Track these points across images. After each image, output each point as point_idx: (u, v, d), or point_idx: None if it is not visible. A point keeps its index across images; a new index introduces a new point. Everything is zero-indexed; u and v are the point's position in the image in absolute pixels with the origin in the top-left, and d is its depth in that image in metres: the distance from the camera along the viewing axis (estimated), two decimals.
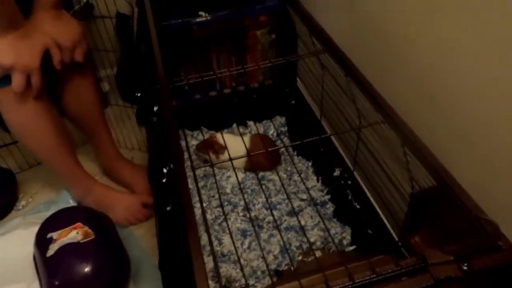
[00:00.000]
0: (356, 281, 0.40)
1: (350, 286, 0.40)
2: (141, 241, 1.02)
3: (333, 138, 0.99)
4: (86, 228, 0.88)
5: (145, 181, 1.11)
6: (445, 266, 0.40)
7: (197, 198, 0.54)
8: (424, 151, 0.54)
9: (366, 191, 0.87)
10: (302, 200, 0.98)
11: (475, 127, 0.55)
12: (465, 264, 0.39)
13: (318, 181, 1.02)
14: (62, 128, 0.95)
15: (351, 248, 0.88)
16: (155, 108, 0.63)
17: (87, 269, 0.83)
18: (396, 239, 0.77)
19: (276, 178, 1.06)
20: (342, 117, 0.90)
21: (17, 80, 0.78)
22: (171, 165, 0.50)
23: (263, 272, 0.86)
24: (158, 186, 0.58)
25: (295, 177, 1.05)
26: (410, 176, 0.64)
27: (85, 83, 1.00)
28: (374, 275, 0.40)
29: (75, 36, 0.85)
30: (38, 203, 1.11)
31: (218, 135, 1.08)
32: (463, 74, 0.55)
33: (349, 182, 0.91)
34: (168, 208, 0.48)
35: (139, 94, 1.39)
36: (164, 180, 0.49)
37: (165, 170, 0.50)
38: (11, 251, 0.96)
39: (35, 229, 0.94)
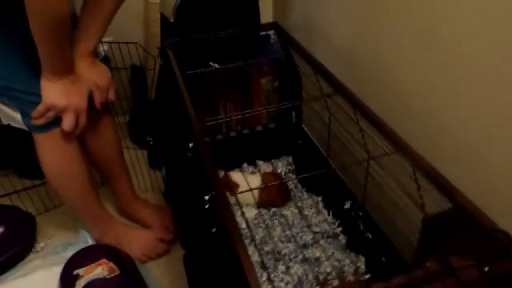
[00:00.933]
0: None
1: None
2: (160, 279, 1.04)
3: (340, 173, 1.06)
4: (111, 264, 0.91)
5: (162, 220, 1.16)
6: (468, 269, 0.46)
7: None
8: (435, 174, 0.61)
9: (377, 221, 0.93)
10: (315, 233, 1.03)
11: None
12: (486, 268, 0.45)
13: (329, 214, 1.08)
14: (90, 171, 1.01)
15: (366, 276, 0.93)
16: (190, 145, 0.70)
17: None
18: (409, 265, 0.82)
19: (288, 213, 1.11)
20: (350, 153, 0.98)
21: (69, 120, 0.86)
22: (212, 193, 0.56)
23: None
24: (193, 213, 0.63)
25: (306, 211, 1.11)
26: (422, 203, 0.70)
27: (108, 126, 1.07)
28: (408, 280, 0.46)
29: (108, 78, 0.94)
30: (56, 245, 1.13)
31: (232, 174, 1.15)
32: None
33: (360, 213, 0.97)
34: (213, 230, 0.53)
35: (150, 139, 1.47)
36: (207, 206, 0.55)
37: (206, 197, 0.56)
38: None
39: (57, 269, 0.96)
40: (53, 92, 0.83)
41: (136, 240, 1.09)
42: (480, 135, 0.60)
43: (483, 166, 0.60)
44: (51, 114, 0.86)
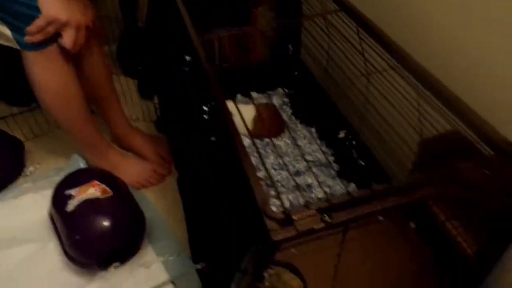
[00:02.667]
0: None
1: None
2: (154, 204, 1.05)
3: (337, 103, 1.04)
4: (103, 186, 0.90)
5: (157, 150, 1.15)
6: (473, 172, 0.45)
7: None
8: (441, 87, 0.58)
9: (372, 149, 0.93)
10: (307, 161, 1.03)
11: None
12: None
13: (322, 144, 1.08)
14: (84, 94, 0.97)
15: None
16: (188, 58, 0.67)
17: (106, 224, 0.85)
18: None
19: (281, 143, 1.11)
20: (349, 81, 0.96)
21: (70, 36, 0.81)
22: (212, 103, 0.54)
23: None
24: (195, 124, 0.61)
25: (299, 142, 1.10)
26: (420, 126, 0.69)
27: (96, 52, 1.02)
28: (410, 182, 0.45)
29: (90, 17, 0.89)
30: (47, 170, 1.12)
31: (227, 103, 1.13)
32: None
33: (354, 142, 0.97)
34: (212, 139, 0.52)
35: (141, 68, 1.41)
36: (206, 116, 0.54)
37: (206, 108, 0.54)
38: (25, 213, 0.98)
39: (47, 192, 0.96)
40: (55, 5, 0.78)
41: (131, 168, 1.09)
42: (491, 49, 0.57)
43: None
44: (51, 29, 0.80)
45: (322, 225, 0.40)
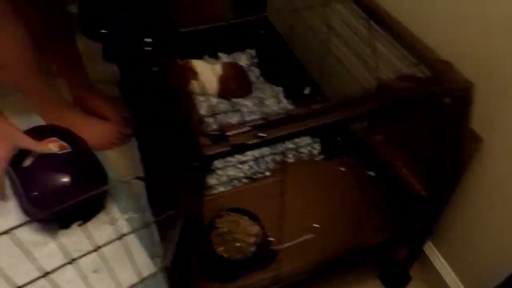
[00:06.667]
0: None
1: None
2: (116, 163, 1.03)
3: (302, 60, 1.04)
4: (62, 142, 0.88)
5: (117, 111, 1.12)
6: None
7: None
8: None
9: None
10: None
11: None
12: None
13: (289, 103, 1.07)
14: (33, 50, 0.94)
15: (321, 157, 0.95)
16: None
17: (66, 179, 0.84)
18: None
19: (249, 103, 1.10)
20: (314, 37, 0.94)
21: None
22: (156, 36, 0.53)
23: (238, 180, 0.90)
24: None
25: (266, 101, 1.10)
26: (376, 66, 0.69)
27: None
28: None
29: None
30: None
31: (193, 62, 1.11)
32: None
33: (318, 98, 0.96)
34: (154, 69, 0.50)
35: (105, 31, 1.37)
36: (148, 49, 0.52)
37: (149, 40, 0.52)
38: None
39: None
40: None
41: (93, 129, 1.06)
42: None
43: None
44: None
45: (256, 140, 0.39)
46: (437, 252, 0.79)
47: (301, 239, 0.57)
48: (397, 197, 0.76)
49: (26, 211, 0.86)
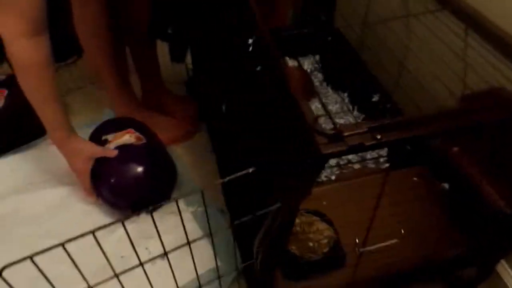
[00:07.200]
0: None
1: None
2: (184, 157, 1.07)
3: (372, 69, 1.03)
4: (138, 133, 0.92)
5: (183, 109, 1.16)
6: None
7: None
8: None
9: (406, 111, 0.92)
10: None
11: None
12: None
13: (354, 109, 1.07)
14: (116, 43, 0.99)
15: (387, 165, 0.94)
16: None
17: (141, 169, 0.87)
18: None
19: (312, 106, 1.10)
20: (386, 48, 0.94)
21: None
22: (257, 36, 0.55)
23: None
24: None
25: (330, 106, 1.10)
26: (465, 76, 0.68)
27: None
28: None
29: None
30: (81, 123, 1.14)
31: None
32: None
33: (388, 105, 0.96)
34: (258, 69, 0.52)
35: (172, 31, 1.42)
36: (250, 49, 0.54)
37: (250, 41, 0.54)
38: (58, 158, 1.00)
39: None
40: None
41: (161, 124, 1.10)
42: None
43: None
44: None
45: (372, 142, 0.40)
46: (510, 271, 0.77)
47: (387, 243, 0.57)
48: (474, 211, 0.74)
49: (102, 196, 0.90)
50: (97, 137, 0.92)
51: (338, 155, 0.40)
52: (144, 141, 0.91)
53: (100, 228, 0.43)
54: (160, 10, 1.47)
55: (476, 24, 0.58)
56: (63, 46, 1.05)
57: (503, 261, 0.77)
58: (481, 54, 0.59)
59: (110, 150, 0.88)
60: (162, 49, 1.32)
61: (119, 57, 1.02)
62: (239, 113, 0.63)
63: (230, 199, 0.80)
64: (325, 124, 0.44)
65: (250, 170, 0.43)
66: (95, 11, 0.92)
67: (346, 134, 0.41)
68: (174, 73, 1.31)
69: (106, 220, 0.91)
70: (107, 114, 1.13)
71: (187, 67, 1.26)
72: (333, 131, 0.41)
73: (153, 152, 0.90)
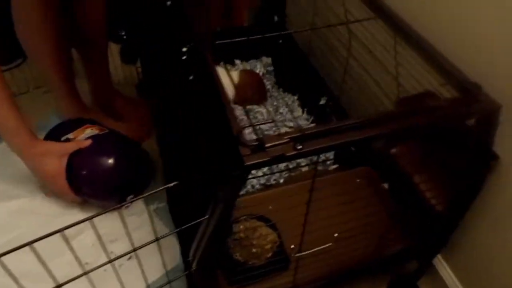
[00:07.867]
0: None
1: None
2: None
3: (320, 71, 1.06)
4: (98, 125, 0.90)
5: (135, 112, 1.14)
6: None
7: None
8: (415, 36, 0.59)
9: (350, 114, 0.95)
10: (289, 127, 1.05)
11: None
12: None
13: (303, 112, 1.09)
14: (64, 45, 0.96)
15: (334, 166, 0.96)
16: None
17: (117, 152, 0.86)
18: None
19: (264, 110, 1.12)
20: (332, 51, 0.96)
21: None
22: (192, 44, 0.54)
23: (252, 186, 0.92)
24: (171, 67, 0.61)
25: (281, 109, 1.12)
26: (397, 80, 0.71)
27: None
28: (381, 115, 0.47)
29: None
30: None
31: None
32: None
33: (334, 108, 0.98)
34: (190, 78, 0.52)
35: (124, 33, 1.39)
36: (184, 58, 0.54)
37: (184, 49, 0.54)
38: (9, 168, 0.96)
39: None
40: None
41: (115, 128, 1.08)
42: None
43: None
44: None
45: (293, 152, 0.41)
46: (445, 265, 0.81)
47: (321, 247, 0.59)
48: (411, 210, 0.77)
49: (79, 191, 0.86)
50: (55, 138, 0.88)
51: (260, 166, 0.41)
52: (106, 130, 0.89)
53: (64, 228, 0.42)
54: (112, 12, 1.44)
55: (403, 33, 0.61)
56: (6, 49, 1.01)
57: (439, 256, 0.81)
58: (408, 60, 0.62)
59: (82, 141, 0.85)
60: (112, 50, 1.29)
61: (66, 59, 0.99)
62: (176, 123, 0.63)
63: (172, 205, 0.80)
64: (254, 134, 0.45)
65: (171, 184, 0.43)
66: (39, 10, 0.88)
67: (268, 145, 0.41)
68: (124, 75, 1.29)
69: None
70: (55, 119, 1.09)
71: (137, 69, 1.24)
72: (256, 142, 0.42)
73: (122, 137, 0.89)
